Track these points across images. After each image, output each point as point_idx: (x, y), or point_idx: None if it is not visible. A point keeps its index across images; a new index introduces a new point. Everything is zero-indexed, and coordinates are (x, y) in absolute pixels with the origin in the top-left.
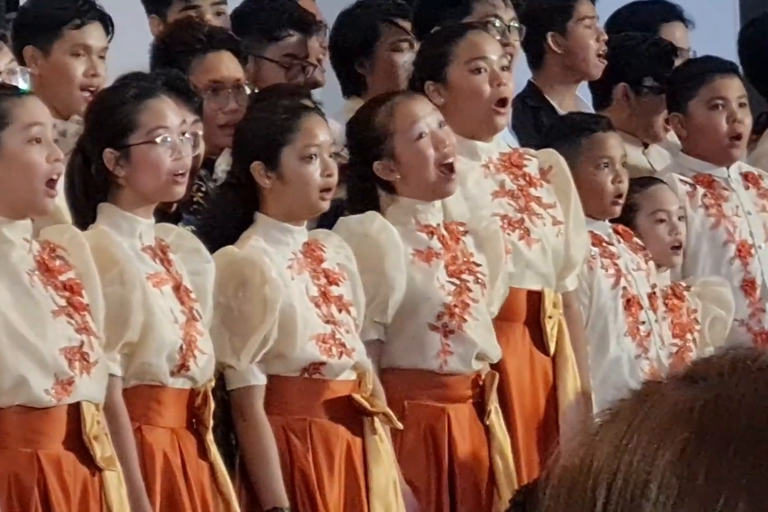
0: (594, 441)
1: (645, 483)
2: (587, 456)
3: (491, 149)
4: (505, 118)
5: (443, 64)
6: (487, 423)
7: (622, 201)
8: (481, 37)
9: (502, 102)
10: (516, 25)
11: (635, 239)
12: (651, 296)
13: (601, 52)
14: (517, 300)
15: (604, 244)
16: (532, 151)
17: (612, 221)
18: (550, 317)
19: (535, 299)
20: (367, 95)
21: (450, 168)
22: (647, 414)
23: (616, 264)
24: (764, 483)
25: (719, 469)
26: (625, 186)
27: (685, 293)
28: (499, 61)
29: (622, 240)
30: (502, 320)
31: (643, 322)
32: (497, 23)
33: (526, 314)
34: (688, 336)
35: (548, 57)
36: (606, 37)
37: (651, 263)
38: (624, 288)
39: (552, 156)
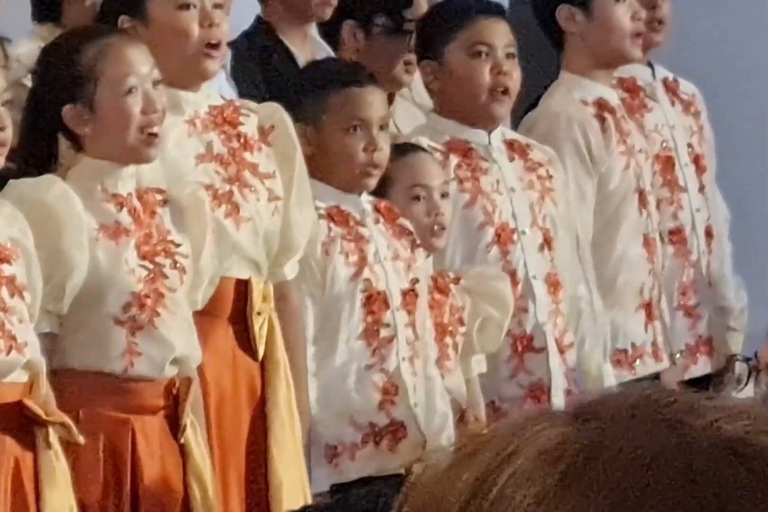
0: (449, 477)
1: None
2: (438, 495)
3: (199, 101)
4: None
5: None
6: (182, 440)
7: (376, 172)
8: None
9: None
10: None
11: (400, 220)
12: (407, 293)
13: None
14: (220, 291)
15: (352, 224)
16: (251, 104)
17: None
18: (258, 313)
19: (242, 290)
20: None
21: (155, 134)
22: (516, 450)
23: (362, 251)
24: None
25: None
26: (382, 155)
27: (451, 286)
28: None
29: (382, 220)
30: (201, 315)
31: (387, 325)
32: None
33: (231, 308)
34: (448, 340)
35: None
36: None
37: (419, 251)
38: (367, 280)
39: (276, 112)
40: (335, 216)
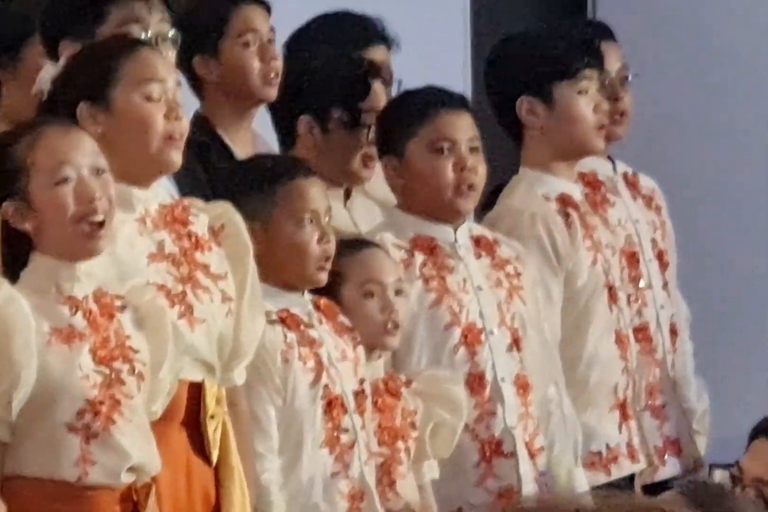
0: None
1: None
2: None
3: (149, 199)
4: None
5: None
6: None
7: (329, 266)
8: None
9: None
10: (172, 35)
11: (341, 318)
12: (358, 394)
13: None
14: (175, 393)
15: (302, 328)
16: (200, 203)
17: (312, 292)
18: (212, 417)
19: (196, 393)
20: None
21: (99, 224)
22: None
23: (317, 355)
24: None
25: None
26: (332, 247)
27: (402, 390)
28: None
29: (324, 319)
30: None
31: (346, 430)
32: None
33: (184, 412)
34: (400, 444)
35: (206, 86)
36: None
37: (360, 349)
38: (325, 385)
39: (226, 212)
40: (287, 320)
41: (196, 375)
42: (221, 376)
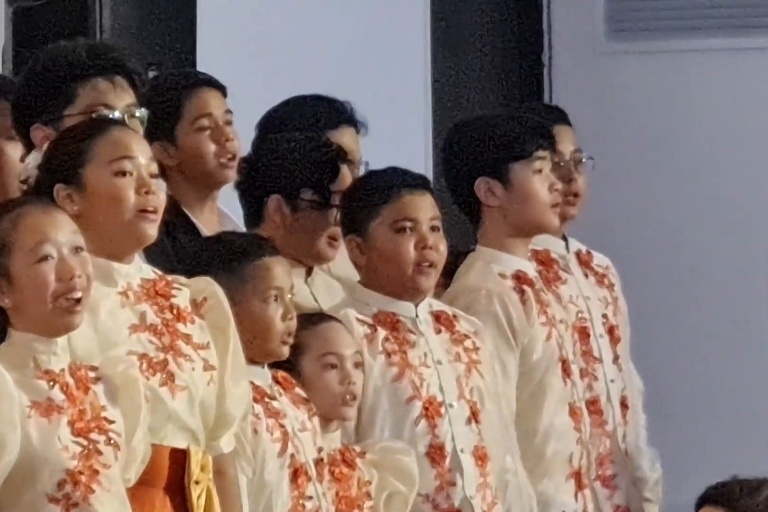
0: None
1: None
2: None
3: (132, 274)
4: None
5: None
6: None
7: (291, 340)
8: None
9: None
10: (138, 114)
11: (297, 389)
12: (318, 463)
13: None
14: (156, 459)
15: (266, 399)
16: (182, 279)
17: (271, 366)
18: (197, 482)
19: (180, 459)
20: None
21: (76, 301)
22: None
23: (282, 426)
24: None
25: None
26: (294, 324)
27: (357, 460)
28: None
29: (283, 391)
30: (138, 484)
31: (310, 497)
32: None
33: (168, 478)
34: None
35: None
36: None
37: (315, 419)
38: (292, 455)
39: (208, 286)
40: (254, 392)
41: (179, 442)
42: (208, 444)
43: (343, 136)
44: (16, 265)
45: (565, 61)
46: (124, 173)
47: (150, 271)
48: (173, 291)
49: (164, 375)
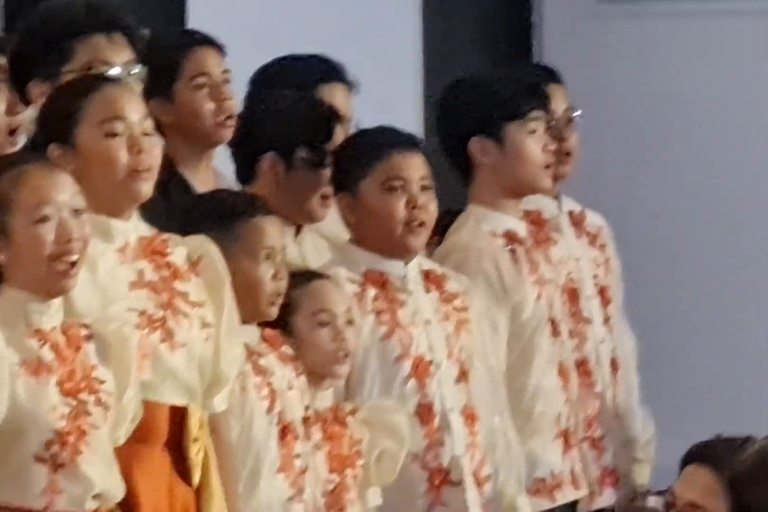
0: None
1: None
2: None
3: (129, 231)
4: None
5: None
6: None
7: (280, 300)
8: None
9: None
10: (137, 71)
11: (284, 348)
12: (305, 421)
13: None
14: (155, 417)
15: (254, 357)
16: (178, 237)
17: (262, 324)
18: (195, 440)
19: (179, 417)
20: None
21: (72, 264)
22: None
23: (269, 384)
24: None
25: None
26: (284, 284)
27: (348, 419)
28: None
29: (270, 349)
30: (136, 442)
31: (298, 456)
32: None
33: (168, 435)
34: (348, 471)
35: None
36: None
37: (302, 378)
38: (279, 413)
39: (203, 244)
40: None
41: (178, 399)
42: (203, 402)
43: (336, 93)
44: (15, 224)
45: (555, 23)
46: (114, 134)
47: (146, 229)
48: (169, 249)
49: (163, 332)
